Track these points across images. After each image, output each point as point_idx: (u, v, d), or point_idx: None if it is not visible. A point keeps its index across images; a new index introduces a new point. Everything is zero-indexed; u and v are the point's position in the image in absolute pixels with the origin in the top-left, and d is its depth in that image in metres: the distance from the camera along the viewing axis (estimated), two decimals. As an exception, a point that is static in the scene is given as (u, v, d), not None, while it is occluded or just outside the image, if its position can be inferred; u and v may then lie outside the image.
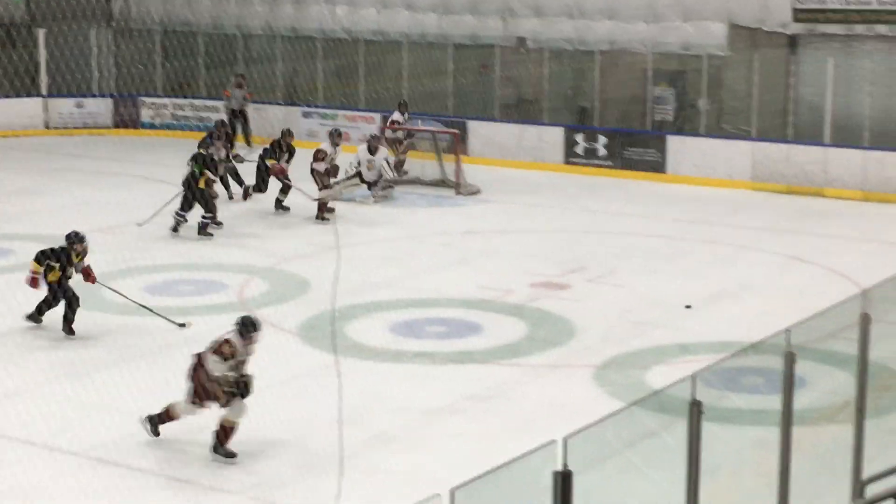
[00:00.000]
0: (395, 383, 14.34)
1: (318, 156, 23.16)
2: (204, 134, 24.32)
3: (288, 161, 23.23)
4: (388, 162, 24.92)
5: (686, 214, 23.70)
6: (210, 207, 21.12)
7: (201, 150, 21.80)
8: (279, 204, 23.24)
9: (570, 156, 28.35)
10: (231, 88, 30.56)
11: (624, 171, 27.58)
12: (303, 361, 14.80)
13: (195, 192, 20.99)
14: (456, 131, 27.04)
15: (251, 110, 30.58)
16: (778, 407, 8.52)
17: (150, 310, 15.87)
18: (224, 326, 12.52)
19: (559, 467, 6.65)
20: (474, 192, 25.58)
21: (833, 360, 12.19)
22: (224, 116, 28.67)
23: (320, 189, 22.96)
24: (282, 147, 23.33)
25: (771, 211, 24.21)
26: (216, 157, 21.99)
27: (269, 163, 22.96)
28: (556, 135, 28.52)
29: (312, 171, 23.10)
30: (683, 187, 26.42)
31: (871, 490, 8.28)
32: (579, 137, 28.30)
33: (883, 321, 10.10)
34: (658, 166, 27.45)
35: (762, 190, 26.03)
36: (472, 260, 20.14)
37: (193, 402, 12.10)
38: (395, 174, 25.73)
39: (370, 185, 24.38)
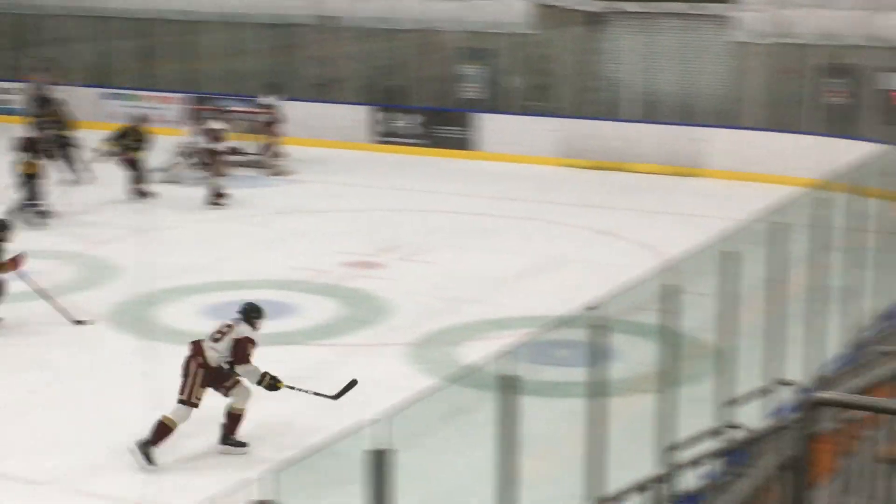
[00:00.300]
0: (208, 367, 14.16)
1: (217, 135, 22.87)
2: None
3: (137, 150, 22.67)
4: (234, 146, 24.65)
5: (497, 191, 23.94)
6: (33, 194, 20.55)
7: (28, 135, 21.28)
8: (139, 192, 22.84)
9: (380, 135, 28.39)
10: (36, 73, 29.72)
11: (435, 149, 27.74)
12: (113, 347, 14.54)
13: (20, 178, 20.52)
14: (270, 111, 26.82)
15: (57, 93, 29.82)
16: (589, 379, 8.67)
17: (51, 302, 15.45)
18: (33, 314, 12.22)
19: (374, 446, 6.66)
20: (286, 172, 25.42)
21: (641, 331, 12.45)
22: (32, 100, 27.85)
23: (213, 175, 22.65)
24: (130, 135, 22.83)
25: (579, 186, 24.62)
26: (43, 139, 21.45)
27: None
28: (365, 114, 28.52)
29: (207, 151, 22.76)
30: (494, 164, 26.68)
31: (677, 457, 8.49)
32: (389, 116, 28.35)
33: (688, 292, 10.35)
34: (468, 144, 27.67)
35: (570, 166, 26.45)
36: (285, 240, 20.04)
37: (183, 402, 11.44)
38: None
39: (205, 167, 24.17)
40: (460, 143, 27.69)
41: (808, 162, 23.38)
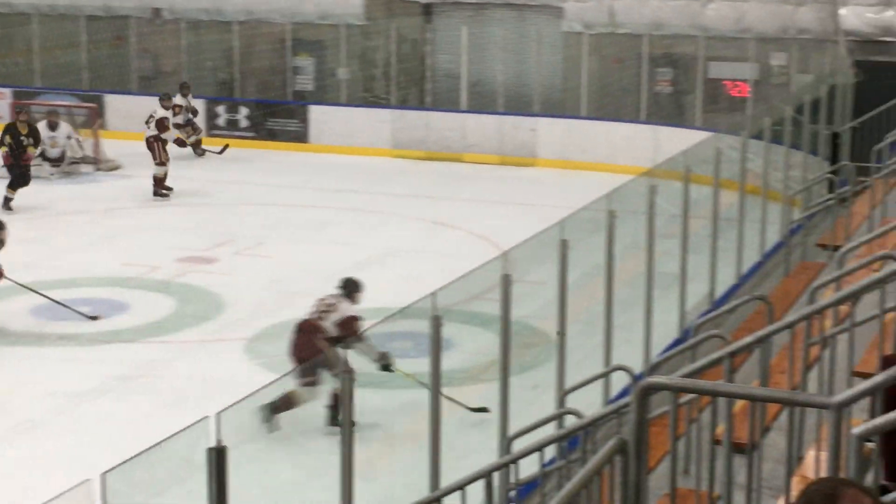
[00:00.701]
0: (39, 367, 13.88)
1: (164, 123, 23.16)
2: None
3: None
4: (76, 140, 24.14)
5: (331, 183, 23.87)
6: None
7: None
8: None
9: (212, 128, 28.08)
10: None
11: (267, 141, 27.55)
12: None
13: None
14: (94, 105, 26.33)
15: None
16: (427, 369, 8.70)
17: (60, 303, 14.93)
18: None
19: (213, 443, 6.59)
20: (115, 167, 24.99)
21: (477, 321, 12.56)
22: None
23: (158, 162, 22.57)
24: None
25: (413, 178, 24.69)
26: None
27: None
28: (196, 106, 28.16)
29: (158, 138, 22.80)
30: (327, 156, 26.60)
31: (517, 445, 8.58)
32: (220, 109, 28.06)
33: (523, 281, 10.46)
34: (301, 136, 27.54)
35: (403, 157, 26.52)
36: (116, 237, 19.70)
37: (308, 384, 11.08)
38: (84, 152, 24.89)
39: (53, 163, 23.63)
40: (293, 136, 27.54)
41: (638, 150, 23.83)
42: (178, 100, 25.92)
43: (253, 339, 14.81)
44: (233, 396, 7.19)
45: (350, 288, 12.12)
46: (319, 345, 11.42)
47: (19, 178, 21.38)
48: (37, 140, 21.91)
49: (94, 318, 15.20)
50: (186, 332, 15.11)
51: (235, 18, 28.58)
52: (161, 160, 22.63)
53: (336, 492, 7.70)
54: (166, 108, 23.70)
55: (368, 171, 25.32)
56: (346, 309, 11.84)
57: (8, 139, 21.44)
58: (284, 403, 11.13)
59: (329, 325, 11.65)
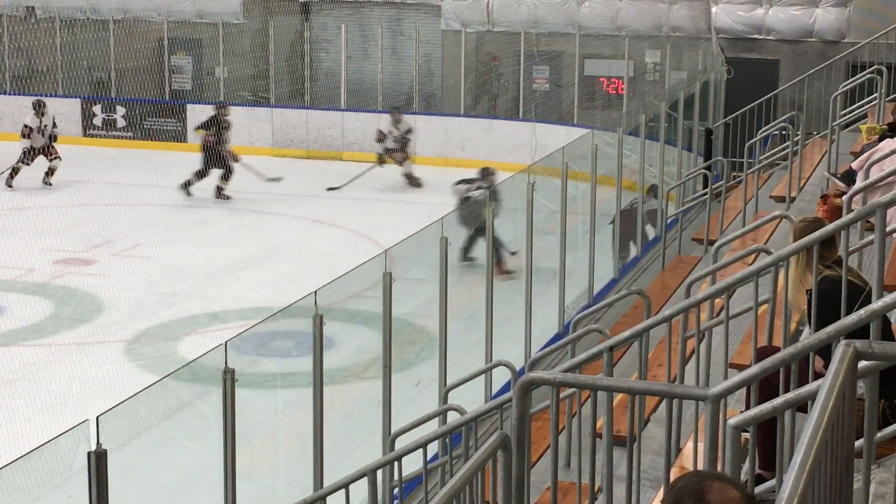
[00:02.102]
0: (-88, 373, 13.59)
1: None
2: None
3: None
4: None
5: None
6: None
7: None
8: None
9: (88, 128, 27.69)
10: None
11: (144, 141, 27.23)
12: None
13: None
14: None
15: None
16: (309, 368, 8.70)
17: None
18: None
19: (93, 447, 6.52)
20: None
21: (359, 319, 12.57)
22: None
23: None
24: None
25: (293, 176, 24.57)
26: None
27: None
28: (73, 106, 27.75)
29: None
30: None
31: (401, 442, 8.61)
32: (97, 109, 27.69)
33: (404, 278, 10.49)
34: (178, 135, 27.26)
35: (283, 156, 26.39)
36: (-10, 239, 19.34)
37: None
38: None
39: None
40: (170, 135, 27.26)
41: (516, 147, 23.99)
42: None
43: (132, 340, 14.66)
44: (113, 399, 7.11)
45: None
46: None
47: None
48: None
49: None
50: (64, 335, 14.90)
51: (111, 17, 28.20)
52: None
53: (219, 492, 7.67)
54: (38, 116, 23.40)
55: (247, 169, 25.13)
56: None
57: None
58: None
59: None
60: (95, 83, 28.72)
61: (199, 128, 23.44)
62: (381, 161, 24.01)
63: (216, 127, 22.96)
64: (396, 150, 24.04)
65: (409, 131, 24.11)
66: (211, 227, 20.33)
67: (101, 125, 27.62)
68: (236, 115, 26.96)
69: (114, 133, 27.44)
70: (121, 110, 27.58)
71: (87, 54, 28.75)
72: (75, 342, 14.68)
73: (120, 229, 19.97)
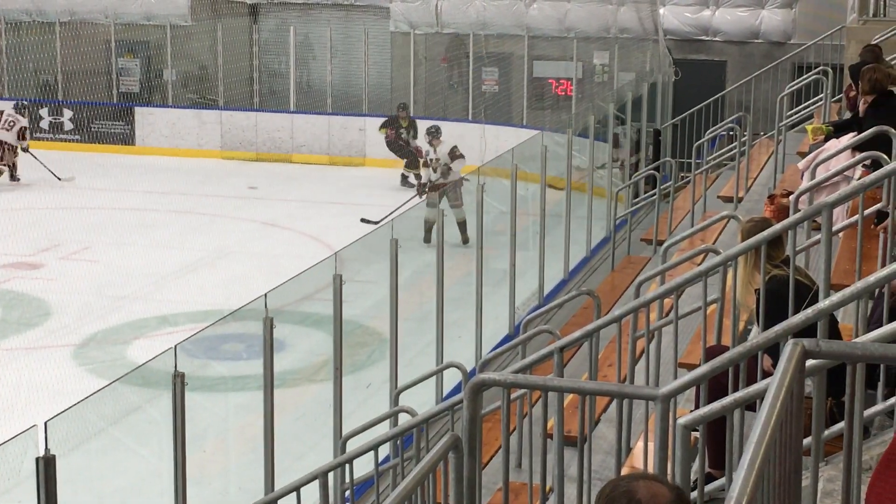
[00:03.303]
0: None
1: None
2: None
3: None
4: None
5: (158, 186, 23.54)
6: None
7: None
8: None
9: (35, 131, 27.45)
10: None
11: (92, 144, 27.02)
12: None
13: None
14: None
15: None
16: (260, 371, 8.68)
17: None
18: None
19: (41, 452, 6.48)
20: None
21: (310, 321, 12.55)
22: None
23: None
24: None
25: (242, 178, 24.50)
26: None
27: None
28: (18, 109, 27.51)
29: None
30: (154, 158, 26.22)
31: (352, 445, 8.60)
32: (44, 112, 27.47)
33: (354, 280, 10.49)
34: (127, 138, 27.11)
35: (232, 158, 26.30)
36: (-64, 244, 19.16)
37: None
38: None
39: None
40: (118, 138, 27.09)
41: (466, 149, 23.98)
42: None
43: (81, 344, 14.56)
44: (61, 404, 7.07)
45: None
46: None
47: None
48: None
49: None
50: (12, 339, 14.77)
51: (58, 19, 27.99)
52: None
53: (170, 497, 7.64)
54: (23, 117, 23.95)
55: (196, 172, 25.05)
56: None
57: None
58: None
59: None
60: (42, 86, 28.49)
61: (382, 126, 24.36)
62: (422, 191, 20.45)
63: (396, 125, 23.91)
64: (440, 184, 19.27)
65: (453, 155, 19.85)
66: (160, 230, 20.23)
67: (48, 128, 27.41)
68: (184, 117, 26.88)
69: (61, 136, 27.23)
70: (68, 113, 27.38)
71: (33, 57, 28.50)
72: (23, 347, 14.57)
73: (68, 233, 19.83)
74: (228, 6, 27.62)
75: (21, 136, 23.83)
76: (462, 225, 16.78)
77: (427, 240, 15.53)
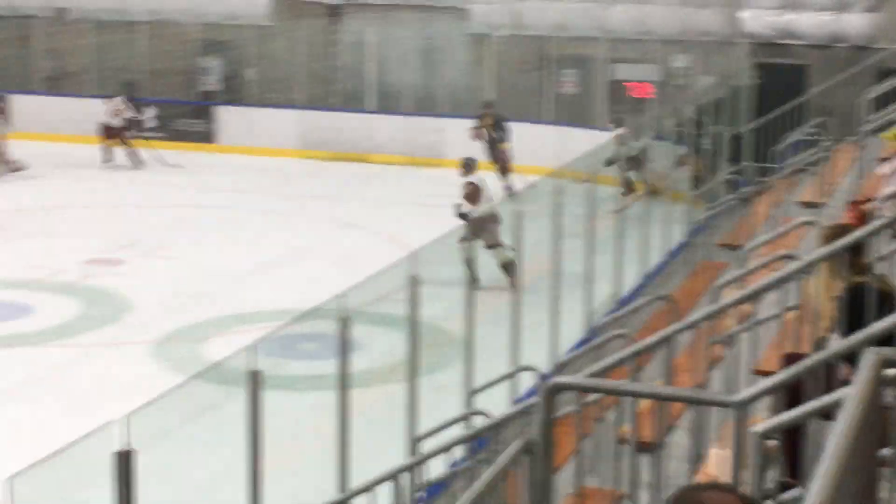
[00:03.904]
0: (-59, 372, 13.68)
1: None
2: None
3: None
4: None
5: (237, 184, 23.75)
6: None
7: None
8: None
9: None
10: None
11: (173, 142, 27.31)
12: None
13: None
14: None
15: None
16: (334, 371, 8.71)
17: None
18: None
19: (120, 446, 6.56)
20: (19, 168, 24.66)
21: (385, 322, 12.58)
22: None
23: None
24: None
25: (320, 178, 24.63)
26: None
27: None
28: (102, 108, 27.86)
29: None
30: (233, 157, 26.46)
31: (425, 446, 8.62)
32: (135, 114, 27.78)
33: (430, 282, 10.50)
34: (208, 137, 27.37)
35: (310, 158, 26.44)
36: (20, 239, 19.44)
37: None
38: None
39: None
40: (200, 137, 27.35)
41: (543, 151, 23.94)
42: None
43: (159, 341, 14.70)
44: (140, 399, 7.15)
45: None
46: None
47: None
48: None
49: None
50: (92, 335, 14.96)
51: (142, 19, 28.32)
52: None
53: (244, 494, 7.69)
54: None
55: (275, 171, 25.22)
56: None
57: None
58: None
59: None
60: (126, 84, 28.82)
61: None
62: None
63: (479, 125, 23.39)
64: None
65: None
66: (238, 228, 20.38)
67: (130, 126, 27.70)
68: (264, 116, 27.07)
69: (143, 134, 27.52)
70: (150, 111, 27.68)
71: (117, 56, 28.86)
72: (103, 343, 14.75)
73: (148, 230, 20.06)
74: (309, 7, 27.77)
75: (127, 125, 25.12)
76: (507, 267, 14.76)
77: (473, 279, 13.69)
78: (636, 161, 18.23)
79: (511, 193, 21.15)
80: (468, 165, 17.71)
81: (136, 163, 25.39)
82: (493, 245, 15.62)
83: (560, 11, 26.00)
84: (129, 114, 25.75)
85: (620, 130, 22.22)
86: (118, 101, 25.79)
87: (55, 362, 14.04)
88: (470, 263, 14.51)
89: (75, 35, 28.85)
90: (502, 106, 26.31)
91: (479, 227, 15.85)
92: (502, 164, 22.70)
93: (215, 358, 12.99)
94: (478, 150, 23.43)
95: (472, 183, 16.78)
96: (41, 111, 28.04)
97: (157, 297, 16.38)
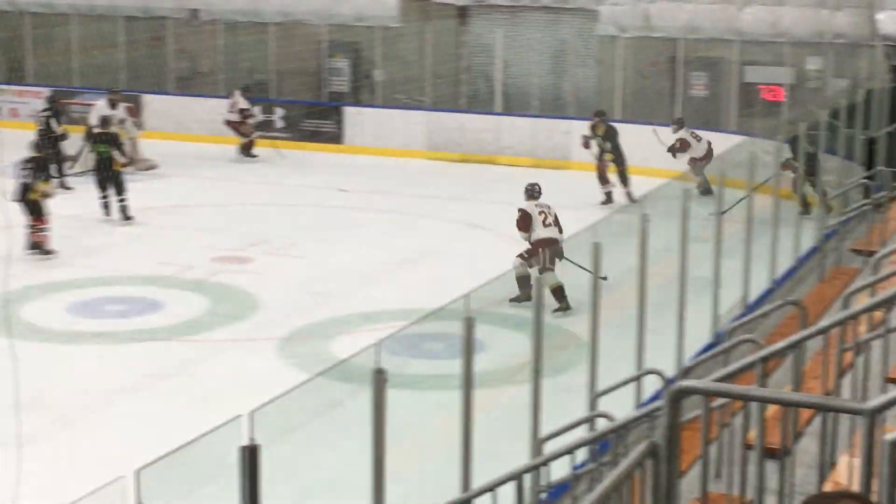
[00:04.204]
0: (75, 365, 13.98)
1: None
2: None
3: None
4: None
5: (364, 185, 23.90)
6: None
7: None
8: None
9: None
10: None
11: (302, 142, 27.61)
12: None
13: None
14: (130, 105, 26.46)
15: None
16: (459, 371, 8.72)
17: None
18: None
19: (246, 442, 6.63)
20: (151, 167, 25.11)
21: (510, 323, 12.58)
22: None
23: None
24: None
25: (446, 179, 24.70)
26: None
27: None
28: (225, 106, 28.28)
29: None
30: (361, 158, 26.64)
31: (549, 447, 8.58)
32: (256, 110, 28.14)
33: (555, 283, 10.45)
34: (335, 137, 27.60)
35: (437, 159, 26.52)
36: (151, 236, 19.80)
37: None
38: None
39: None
40: (328, 137, 27.60)
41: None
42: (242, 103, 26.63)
43: (286, 338, 14.86)
44: (265, 395, 7.22)
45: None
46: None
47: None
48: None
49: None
50: (220, 331, 15.18)
51: (272, 20, 28.67)
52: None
53: (367, 492, 7.73)
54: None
55: (402, 172, 25.35)
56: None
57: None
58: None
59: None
60: (255, 84, 29.22)
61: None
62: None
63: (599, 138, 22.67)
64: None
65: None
66: (365, 228, 20.52)
67: (259, 126, 28.07)
68: (391, 116, 27.22)
69: (271, 134, 27.87)
70: (279, 111, 28.01)
71: (247, 56, 29.26)
72: (230, 339, 14.95)
73: (276, 229, 20.29)
74: (437, 8, 27.87)
75: (243, 116, 25.95)
76: (557, 292, 14.75)
77: (520, 299, 14.39)
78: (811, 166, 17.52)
79: (633, 200, 21.03)
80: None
81: (248, 155, 26.11)
82: (546, 268, 15.18)
83: (690, 13, 25.75)
84: (242, 105, 26.35)
85: (682, 133, 22.09)
86: (235, 95, 26.44)
87: (183, 357, 14.27)
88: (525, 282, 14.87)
89: (207, 36, 29.32)
90: (630, 108, 26.16)
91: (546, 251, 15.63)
92: (620, 172, 22.50)
93: (340, 356, 13.09)
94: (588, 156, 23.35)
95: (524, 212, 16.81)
96: (173, 111, 28.54)
97: (283, 295, 16.56)
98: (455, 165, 26.14)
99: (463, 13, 27.94)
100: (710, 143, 22.49)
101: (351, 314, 15.77)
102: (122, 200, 20.62)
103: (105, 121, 21.72)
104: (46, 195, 18.54)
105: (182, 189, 23.45)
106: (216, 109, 27.64)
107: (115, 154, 20.80)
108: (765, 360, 6.16)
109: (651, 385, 10.96)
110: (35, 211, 18.24)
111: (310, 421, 11.11)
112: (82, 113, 26.03)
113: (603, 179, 22.38)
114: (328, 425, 11.22)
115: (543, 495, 8.15)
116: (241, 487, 6.69)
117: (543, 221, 16.29)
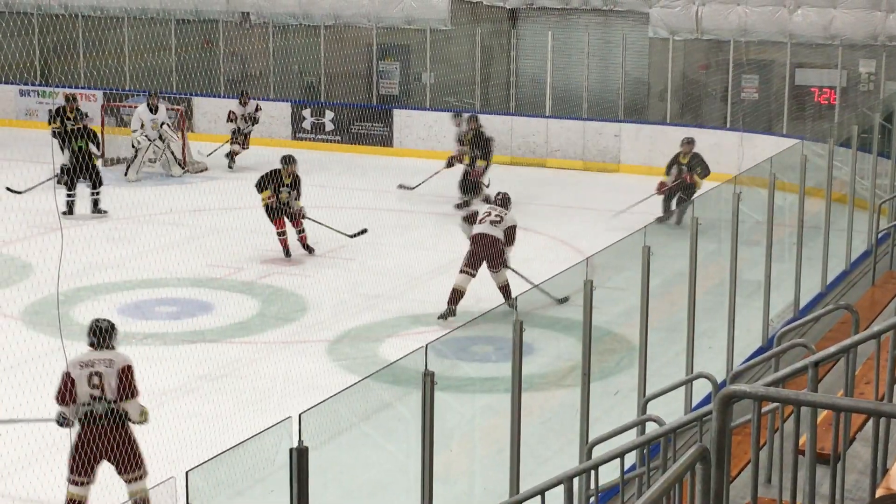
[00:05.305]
0: (125, 366, 14.04)
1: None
2: None
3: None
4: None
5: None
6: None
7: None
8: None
9: (297, 131, 28.28)
10: None
11: (352, 145, 27.67)
12: (28, 347, 14.34)
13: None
14: (180, 108, 26.63)
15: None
16: (508, 374, 8.71)
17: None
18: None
19: (295, 444, 6.64)
20: (201, 169, 25.25)
21: (559, 326, 12.53)
22: None
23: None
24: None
25: (496, 182, 24.63)
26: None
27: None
28: (283, 110, 28.41)
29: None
30: (410, 160, 26.66)
31: (598, 451, 8.55)
32: (306, 113, 28.25)
33: (605, 287, 10.43)
34: (385, 140, 27.64)
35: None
36: (201, 238, 19.89)
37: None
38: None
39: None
40: (378, 140, 27.66)
41: (723, 157, 23.64)
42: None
43: (335, 340, 14.90)
44: (315, 397, 7.23)
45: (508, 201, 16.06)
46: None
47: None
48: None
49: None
50: (270, 333, 15.24)
51: (323, 23, 28.77)
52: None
53: (416, 494, 7.73)
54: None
55: (451, 175, 25.32)
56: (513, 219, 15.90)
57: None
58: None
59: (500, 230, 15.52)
60: (306, 87, 29.33)
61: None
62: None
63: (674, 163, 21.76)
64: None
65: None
66: (414, 231, 20.54)
67: (309, 129, 28.17)
68: (441, 119, 27.23)
69: (322, 136, 27.96)
70: (329, 114, 28.09)
71: (298, 59, 29.37)
72: (280, 341, 15.00)
73: (326, 231, 20.32)
74: (488, 11, 27.87)
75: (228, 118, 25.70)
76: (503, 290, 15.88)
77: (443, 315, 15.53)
78: None
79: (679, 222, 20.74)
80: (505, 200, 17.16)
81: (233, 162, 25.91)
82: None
83: (741, 15, 25.63)
84: (240, 111, 25.97)
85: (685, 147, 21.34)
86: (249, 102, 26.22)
87: (233, 359, 14.34)
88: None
89: (258, 39, 29.45)
90: (679, 111, 26.07)
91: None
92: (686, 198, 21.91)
93: (389, 358, 13.12)
94: (640, 156, 23.17)
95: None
96: (223, 113, 28.64)
97: (333, 298, 16.60)
98: (504, 168, 26.10)
99: (513, 16, 27.93)
100: (683, 171, 21.36)
101: (400, 317, 15.79)
102: (95, 194, 20.93)
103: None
104: (280, 200, 18.84)
105: (231, 191, 23.51)
106: (267, 112, 27.76)
107: (92, 147, 21.20)
108: (816, 364, 6.12)
109: (701, 389, 10.91)
110: (278, 216, 18.78)
111: (359, 423, 11.14)
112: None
113: (668, 200, 21.67)
114: (377, 427, 11.23)
115: (593, 499, 8.12)
116: (291, 489, 6.70)
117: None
